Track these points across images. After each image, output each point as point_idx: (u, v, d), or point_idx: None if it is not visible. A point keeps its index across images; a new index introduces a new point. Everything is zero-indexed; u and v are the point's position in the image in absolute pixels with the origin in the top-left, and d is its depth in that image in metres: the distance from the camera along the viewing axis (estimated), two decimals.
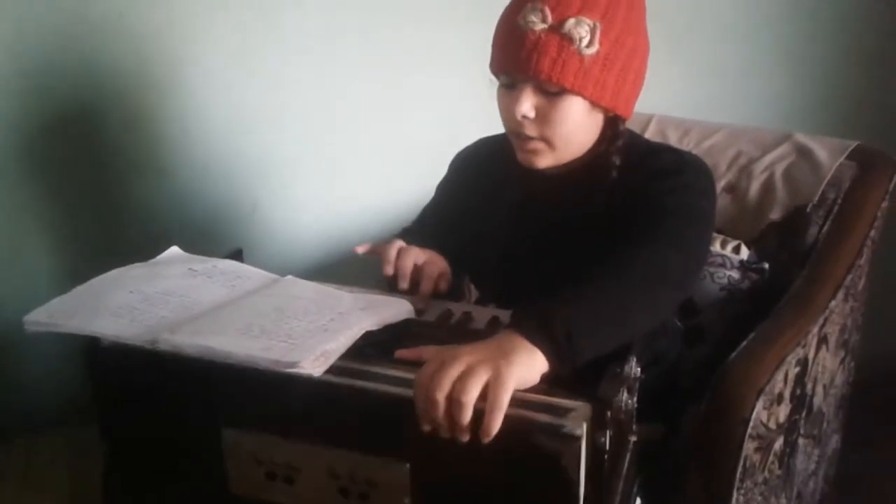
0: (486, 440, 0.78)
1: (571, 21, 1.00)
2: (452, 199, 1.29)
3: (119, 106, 1.66)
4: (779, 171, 1.55)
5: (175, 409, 0.94)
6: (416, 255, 1.09)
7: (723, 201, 1.57)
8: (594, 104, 1.06)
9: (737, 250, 1.48)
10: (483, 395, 0.79)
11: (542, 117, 1.06)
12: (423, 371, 0.82)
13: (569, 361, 0.85)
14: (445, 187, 1.32)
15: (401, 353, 0.90)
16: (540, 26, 1.01)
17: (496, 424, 0.78)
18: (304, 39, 1.75)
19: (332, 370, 0.85)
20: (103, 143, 1.68)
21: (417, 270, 1.08)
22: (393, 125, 1.86)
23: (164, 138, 1.71)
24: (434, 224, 1.27)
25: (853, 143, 1.55)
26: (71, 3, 1.57)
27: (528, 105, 1.05)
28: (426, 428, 0.81)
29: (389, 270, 1.08)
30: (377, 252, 1.11)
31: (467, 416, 0.78)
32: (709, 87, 2.05)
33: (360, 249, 1.12)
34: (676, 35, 1.99)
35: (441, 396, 0.79)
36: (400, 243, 1.10)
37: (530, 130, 1.07)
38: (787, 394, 1.22)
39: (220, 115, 1.73)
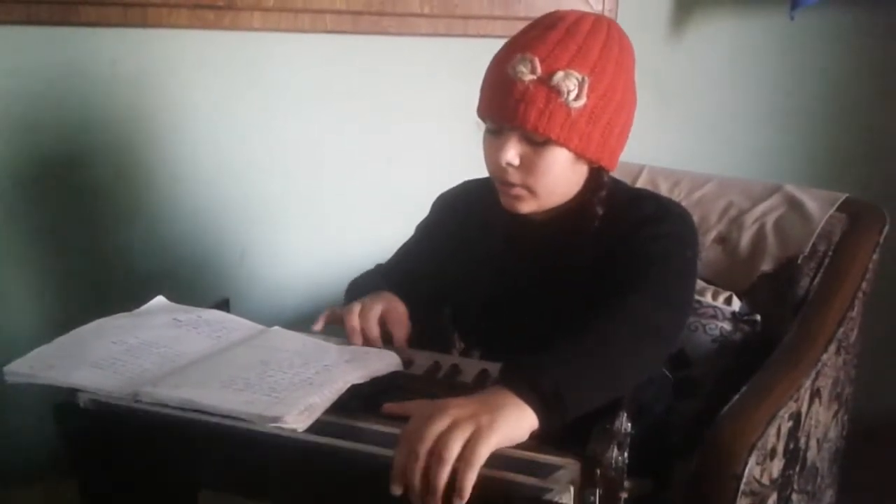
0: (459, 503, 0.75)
1: (560, 74, 1.01)
2: (433, 242, 1.28)
3: (109, 152, 1.67)
4: (769, 222, 1.55)
5: (151, 473, 0.92)
6: (377, 314, 1.08)
7: (714, 252, 1.57)
8: (579, 156, 1.06)
9: (728, 301, 1.47)
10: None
11: (527, 166, 1.06)
12: (409, 425, 0.80)
13: (558, 418, 0.84)
14: (427, 229, 1.31)
15: (388, 407, 0.89)
16: (529, 77, 1.01)
17: (468, 480, 0.75)
18: (292, 90, 1.76)
19: (316, 425, 0.83)
20: (93, 188, 1.68)
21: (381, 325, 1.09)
22: (381, 175, 1.87)
23: (153, 185, 1.71)
24: (412, 265, 1.27)
25: (843, 196, 1.56)
26: (64, 50, 1.58)
27: (512, 153, 1.05)
28: (396, 490, 0.78)
29: (358, 341, 1.06)
30: (337, 322, 1.10)
31: (445, 472, 0.76)
32: (699, 140, 2.07)
33: (317, 326, 1.10)
34: (668, 89, 2.01)
35: (423, 450, 0.77)
36: (357, 308, 1.08)
37: (514, 178, 1.07)
38: (780, 449, 1.20)
39: (210, 163, 1.74)
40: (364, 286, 1.18)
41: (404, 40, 1.80)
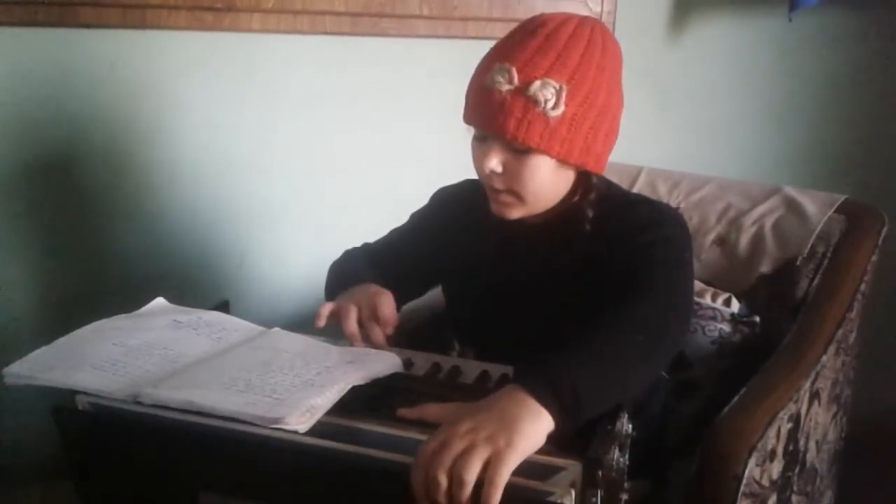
0: None
1: (537, 83, 1.00)
2: (424, 232, 1.29)
3: (109, 153, 1.67)
4: (768, 224, 1.55)
5: (151, 475, 0.91)
6: (371, 315, 1.08)
7: (713, 254, 1.57)
8: (562, 162, 1.06)
9: (727, 303, 1.47)
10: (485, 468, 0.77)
11: (511, 173, 1.06)
12: (424, 449, 0.80)
13: (574, 420, 0.84)
14: (420, 218, 1.31)
15: (402, 411, 0.88)
16: (506, 87, 1.01)
17: (494, 500, 0.76)
18: (291, 91, 1.76)
19: (317, 426, 0.83)
20: (91, 190, 1.67)
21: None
22: (381, 176, 1.87)
23: (152, 187, 1.71)
24: (397, 251, 1.28)
25: (841, 197, 1.56)
26: (63, 51, 1.58)
27: (496, 161, 1.06)
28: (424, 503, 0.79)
29: (360, 346, 1.06)
30: (335, 321, 1.09)
31: (467, 493, 0.77)
32: (698, 141, 2.07)
33: (321, 322, 1.09)
34: (667, 91, 2.01)
35: (443, 475, 0.77)
36: (354, 314, 1.07)
37: (499, 184, 1.08)
38: (779, 450, 1.20)
39: (209, 165, 1.74)
40: (348, 275, 1.20)
41: (403, 42, 1.80)
